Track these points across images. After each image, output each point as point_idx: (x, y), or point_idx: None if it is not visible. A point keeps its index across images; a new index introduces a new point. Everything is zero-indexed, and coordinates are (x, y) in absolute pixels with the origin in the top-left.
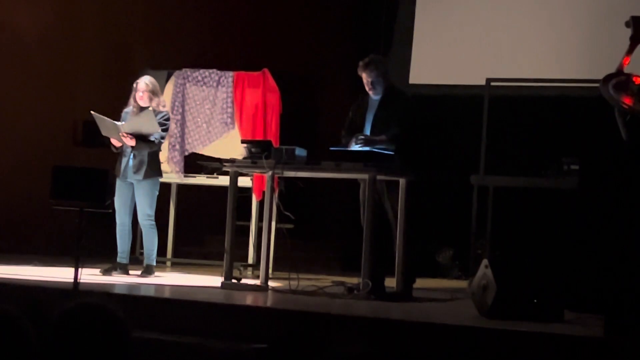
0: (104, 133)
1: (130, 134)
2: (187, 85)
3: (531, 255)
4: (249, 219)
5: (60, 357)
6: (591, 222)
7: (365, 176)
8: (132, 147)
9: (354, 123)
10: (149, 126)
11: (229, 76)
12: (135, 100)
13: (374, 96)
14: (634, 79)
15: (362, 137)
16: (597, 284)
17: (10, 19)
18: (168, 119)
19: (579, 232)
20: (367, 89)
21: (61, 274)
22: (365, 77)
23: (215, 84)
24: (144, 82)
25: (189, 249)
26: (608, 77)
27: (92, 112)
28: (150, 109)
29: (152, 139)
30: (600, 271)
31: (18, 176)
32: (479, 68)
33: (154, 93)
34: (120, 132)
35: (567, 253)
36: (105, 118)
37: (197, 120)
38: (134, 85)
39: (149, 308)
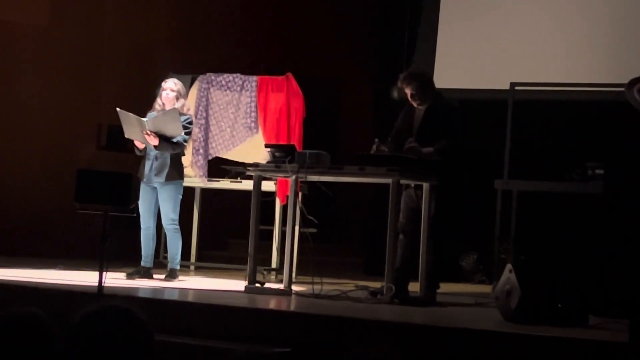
0: (127, 134)
1: (154, 133)
2: (211, 89)
3: (555, 260)
4: (272, 223)
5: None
6: (616, 227)
7: (389, 180)
8: (155, 146)
9: (399, 132)
10: (173, 127)
11: (252, 80)
12: (161, 99)
13: (419, 106)
14: None
15: (412, 143)
16: (622, 289)
17: (33, 22)
18: (191, 123)
19: (604, 237)
20: (410, 100)
21: (86, 278)
22: (405, 89)
23: (239, 89)
24: (172, 82)
25: (213, 253)
26: (633, 82)
27: (117, 109)
28: (176, 107)
29: (175, 140)
30: (625, 276)
31: (42, 180)
32: (503, 72)
33: (180, 94)
34: (145, 129)
35: (591, 258)
36: (130, 114)
37: (221, 124)
38: (162, 84)
39: (173, 312)
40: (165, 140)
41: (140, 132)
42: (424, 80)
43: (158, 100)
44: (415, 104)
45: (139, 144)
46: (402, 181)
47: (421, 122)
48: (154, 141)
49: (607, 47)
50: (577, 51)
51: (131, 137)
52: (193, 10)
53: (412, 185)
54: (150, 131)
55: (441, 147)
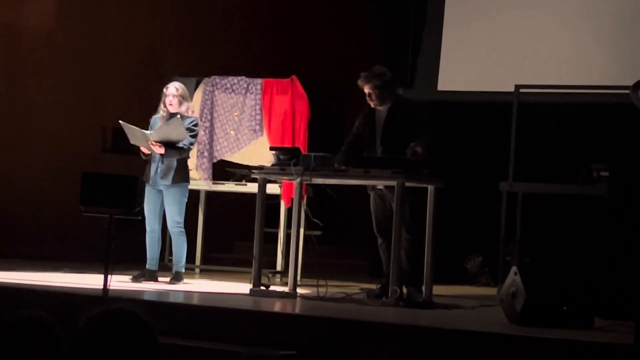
0: (132, 142)
1: (159, 142)
2: (216, 92)
3: (560, 262)
4: (277, 225)
5: None
6: (621, 229)
7: (393, 183)
8: (161, 155)
9: (359, 137)
10: (178, 133)
11: (257, 83)
12: (165, 106)
13: (378, 107)
14: None
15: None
16: (627, 291)
17: (39, 25)
18: (196, 125)
19: (609, 239)
20: (367, 99)
21: (91, 281)
22: (363, 89)
23: (243, 91)
24: (174, 87)
25: (218, 256)
26: (638, 84)
27: (120, 121)
28: (178, 116)
29: (181, 145)
30: (630, 278)
31: (47, 182)
32: (508, 74)
33: (183, 98)
34: (149, 140)
35: (596, 260)
36: (134, 127)
37: (225, 127)
38: (164, 90)
39: (178, 314)
40: (171, 147)
41: (145, 141)
42: (383, 80)
43: (162, 105)
44: (372, 104)
45: (145, 150)
46: (371, 182)
47: (384, 124)
48: (160, 150)
49: (611, 49)
50: (581, 53)
51: (137, 144)
52: (197, 13)
53: (380, 186)
54: (156, 141)
55: (424, 143)
